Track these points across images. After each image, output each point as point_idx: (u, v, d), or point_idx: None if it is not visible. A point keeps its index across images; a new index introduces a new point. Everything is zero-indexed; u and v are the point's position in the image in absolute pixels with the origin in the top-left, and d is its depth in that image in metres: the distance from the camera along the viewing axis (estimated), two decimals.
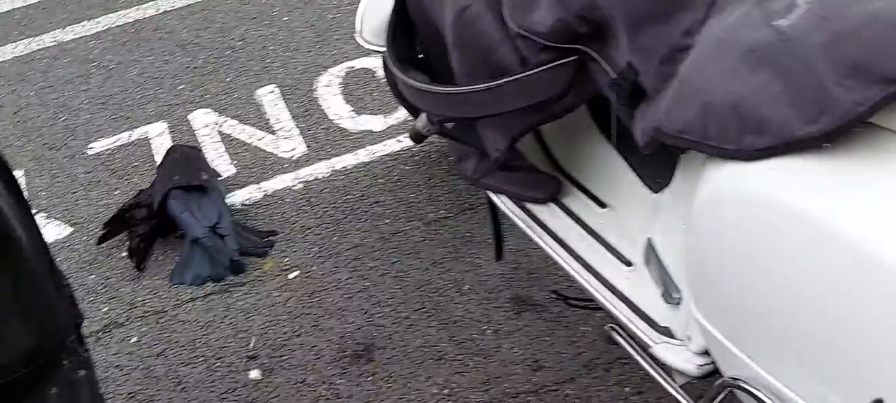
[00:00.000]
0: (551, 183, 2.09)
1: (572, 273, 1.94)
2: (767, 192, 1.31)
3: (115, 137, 3.12)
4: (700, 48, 1.42)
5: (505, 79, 1.84)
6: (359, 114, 3.07)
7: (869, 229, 1.19)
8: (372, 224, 2.67)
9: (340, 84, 3.20)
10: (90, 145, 3.11)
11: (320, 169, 2.88)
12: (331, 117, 3.06)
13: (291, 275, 2.55)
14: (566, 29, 1.73)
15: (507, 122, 1.94)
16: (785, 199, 1.29)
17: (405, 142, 2.92)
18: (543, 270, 2.46)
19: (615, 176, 2.05)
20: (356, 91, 3.16)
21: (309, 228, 2.68)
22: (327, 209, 2.74)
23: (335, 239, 2.64)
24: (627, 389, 2.17)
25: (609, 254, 1.94)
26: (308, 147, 2.96)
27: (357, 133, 2.99)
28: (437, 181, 2.78)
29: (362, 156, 2.90)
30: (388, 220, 2.68)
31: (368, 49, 2.45)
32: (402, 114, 3.01)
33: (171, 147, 2.92)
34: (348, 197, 2.77)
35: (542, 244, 2.02)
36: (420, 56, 2.16)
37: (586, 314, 2.33)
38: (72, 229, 2.79)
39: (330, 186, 2.81)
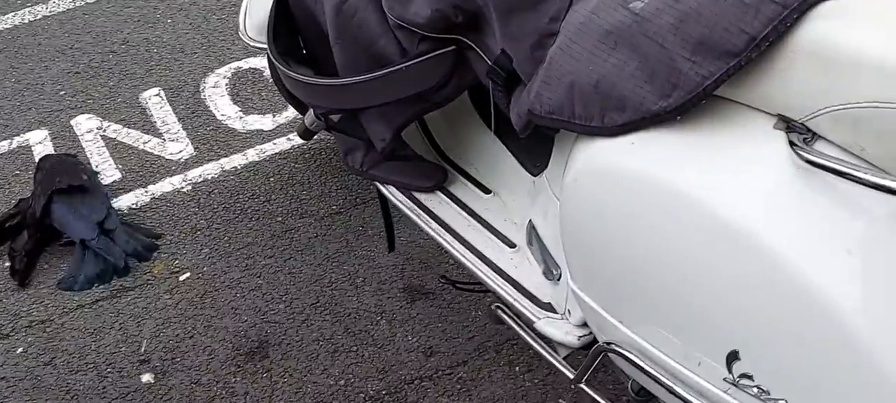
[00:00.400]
0: (437, 171, 2.17)
1: (459, 257, 2.02)
2: (629, 165, 1.41)
3: None
4: (564, 32, 1.51)
5: (385, 70, 1.90)
6: (247, 114, 3.08)
7: (717, 194, 1.30)
8: (264, 222, 2.69)
9: (228, 84, 3.20)
10: None
11: (209, 170, 2.88)
12: (219, 118, 3.06)
13: (182, 277, 2.55)
14: (443, 19, 1.80)
15: (390, 113, 2.00)
16: (645, 171, 1.39)
17: (295, 140, 2.95)
18: (434, 259, 2.53)
19: (497, 162, 2.14)
20: (243, 91, 3.17)
21: (199, 229, 2.69)
22: (217, 210, 2.75)
23: (226, 239, 2.66)
24: (517, 368, 2.27)
25: (494, 238, 2.03)
26: (196, 149, 2.95)
27: (246, 133, 3.00)
28: (328, 177, 2.82)
29: (252, 155, 2.92)
30: (280, 218, 2.71)
31: (252, 46, 2.47)
32: (291, 113, 3.04)
33: (44, 156, 2.87)
34: (239, 197, 2.78)
35: (430, 231, 2.09)
36: (303, 51, 2.20)
37: (476, 299, 2.42)
38: None
39: (219, 187, 2.82)
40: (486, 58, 1.81)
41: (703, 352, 1.38)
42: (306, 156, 2.90)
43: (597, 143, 1.47)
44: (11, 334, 2.44)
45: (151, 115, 3.10)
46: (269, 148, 2.94)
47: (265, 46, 2.43)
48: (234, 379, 2.29)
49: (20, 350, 2.40)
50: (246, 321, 2.42)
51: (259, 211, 2.73)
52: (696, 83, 1.31)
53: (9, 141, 3.06)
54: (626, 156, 1.41)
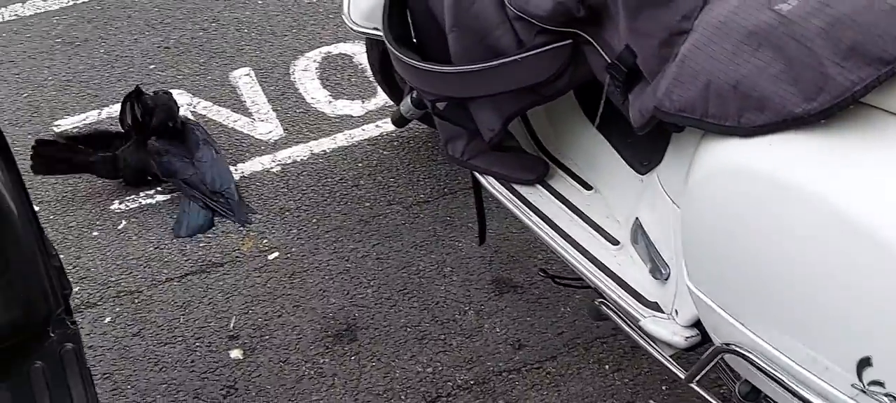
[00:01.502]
0: (539, 165, 2.20)
1: (561, 251, 2.05)
2: (764, 166, 1.43)
3: (83, 115, 3.14)
4: (701, 31, 1.54)
5: (502, 60, 1.94)
6: (336, 98, 3.14)
7: (859, 202, 1.32)
8: (351, 207, 2.75)
9: (317, 68, 3.26)
10: (56, 122, 3.12)
11: (298, 152, 2.94)
12: (308, 101, 3.13)
13: (271, 256, 2.61)
14: (564, 12, 1.83)
15: (501, 103, 2.04)
16: (781, 173, 1.41)
17: (384, 127, 3.00)
18: (524, 253, 2.57)
19: (599, 158, 2.17)
20: (333, 76, 3.23)
21: (288, 210, 2.75)
22: (306, 192, 2.81)
23: (315, 221, 2.71)
24: (607, 366, 2.29)
25: (596, 234, 2.06)
26: (285, 130, 3.02)
27: (335, 117, 3.06)
28: (416, 166, 2.87)
29: (341, 140, 2.98)
30: (368, 204, 2.76)
31: (356, 31, 2.53)
32: (380, 100, 3.09)
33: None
34: (327, 180, 2.84)
35: (530, 224, 2.12)
36: (414, 39, 2.24)
37: (566, 295, 2.45)
38: (38, 208, 2.81)
39: (308, 169, 2.88)
40: (604, 53, 1.85)
41: (830, 357, 1.39)
42: (395, 143, 2.95)
43: (729, 143, 1.49)
44: (99, 303, 2.52)
45: (241, 95, 3.17)
46: (358, 133, 3.00)
47: (370, 32, 2.50)
48: (322, 360, 2.34)
49: (108, 319, 2.48)
50: (334, 303, 2.48)
51: (347, 195, 2.79)
52: (845, 88, 1.33)
53: (98, 111, 3.15)
54: (761, 157, 1.43)
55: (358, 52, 3.31)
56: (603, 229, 2.06)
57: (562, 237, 2.07)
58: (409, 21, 2.18)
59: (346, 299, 2.49)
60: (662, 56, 1.65)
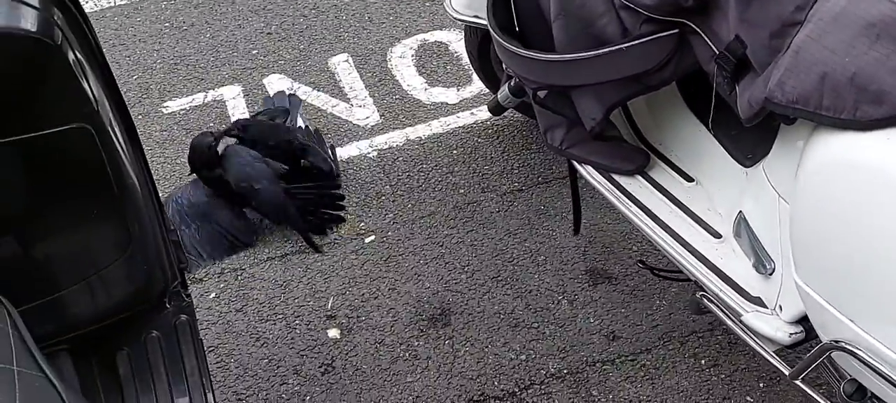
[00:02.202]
0: (639, 155, 2.18)
1: (661, 243, 2.03)
2: (881, 161, 1.39)
3: (190, 97, 3.23)
4: (817, 22, 1.50)
5: (607, 49, 1.93)
6: (432, 86, 3.16)
7: None
8: (446, 193, 2.77)
9: (414, 56, 3.29)
10: (165, 104, 3.22)
11: (394, 138, 2.98)
12: (404, 88, 3.16)
13: (368, 240, 2.65)
14: (672, 2, 1.81)
15: (604, 92, 2.03)
16: None
17: (479, 115, 3.01)
18: (619, 244, 2.55)
19: (701, 150, 2.13)
20: (429, 63, 3.25)
21: (384, 195, 2.78)
22: (401, 177, 2.84)
23: (410, 206, 2.74)
24: (703, 361, 2.26)
25: (698, 227, 2.03)
26: (382, 116, 3.06)
27: (430, 105, 3.09)
28: (510, 154, 2.87)
29: (436, 127, 3.00)
30: (462, 190, 2.77)
31: (458, 20, 2.54)
32: (475, 88, 3.10)
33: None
34: (423, 166, 2.87)
35: (629, 215, 2.10)
36: (516, 27, 2.24)
37: (661, 288, 2.42)
38: None
39: (404, 155, 2.91)
40: (711, 43, 1.82)
41: None
42: (489, 131, 2.96)
43: (844, 136, 1.45)
44: (205, 279, 2.60)
45: (340, 80, 3.22)
46: (453, 121, 3.01)
47: (470, 20, 2.51)
48: (416, 343, 2.37)
49: (213, 294, 2.55)
50: (429, 287, 2.50)
51: (442, 182, 2.81)
52: None
53: (204, 94, 3.24)
54: (879, 151, 1.39)
55: (454, 39, 3.33)
56: (704, 222, 2.03)
57: (662, 229, 2.04)
58: (513, 10, 2.18)
59: (440, 284, 2.51)
60: (774, 47, 1.62)
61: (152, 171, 2.87)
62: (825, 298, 1.53)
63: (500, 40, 2.09)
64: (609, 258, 2.52)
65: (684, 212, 2.06)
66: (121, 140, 1.59)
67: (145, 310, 1.79)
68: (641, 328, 2.34)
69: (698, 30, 1.85)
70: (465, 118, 3.02)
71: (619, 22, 1.94)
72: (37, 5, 1.38)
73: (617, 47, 1.92)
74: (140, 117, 3.17)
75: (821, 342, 1.59)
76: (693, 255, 1.96)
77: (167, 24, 3.61)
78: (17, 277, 1.54)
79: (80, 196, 1.52)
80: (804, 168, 1.54)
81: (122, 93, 1.62)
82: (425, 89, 3.15)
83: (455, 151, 2.90)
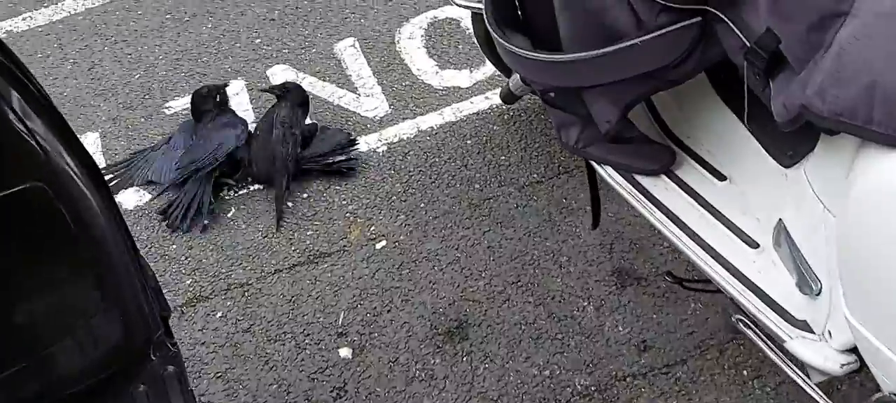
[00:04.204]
0: (663, 153, 1.92)
1: (689, 254, 1.79)
2: None
3: None
4: (863, 18, 1.24)
5: (619, 45, 1.68)
6: (443, 68, 2.91)
7: None
8: (461, 189, 2.54)
9: (423, 35, 3.04)
10: (167, 104, 3.02)
11: (404, 129, 2.75)
12: (414, 73, 2.91)
13: (379, 245, 2.44)
14: None
15: (617, 92, 1.78)
16: None
17: (493, 99, 2.76)
18: (647, 240, 2.30)
19: (735, 144, 1.87)
20: (440, 43, 3.00)
21: (395, 195, 2.56)
22: (413, 174, 2.61)
23: (422, 206, 2.52)
24: (745, 372, 2.03)
25: (731, 234, 1.78)
26: (391, 105, 2.82)
27: (442, 90, 2.84)
28: (528, 142, 2.62)
29: (448, 114, 2.76)
30: (477, 185, 2.54)
31: (461, 6, 2.29)
32: (489, 68, 2.85)
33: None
34: (435, 160, 2.63)
35: (653, 220, 1.86)
36: (520, 17, 1.99)
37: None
38: (150, 196, 2.72)
39: (415, 148, 2.68)
40: (740, 33, 1.56)
41: None
42: (505, 117, 2.71)
43: None
44: (212, 296, 2.42)
45: (346, 68, 2.98)
46: (466, 107, 2.77)
47: (474, 6, 2.26)
48: (433, 360, 2.16)
49: (219, 314, 2.37)
50: (444, 297, 2.29)
51: (456, 176, 2.58)
52: None
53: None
54: None
55: (466, 15, 3.06)
56: (739, 229, 1.78)
57: (689, 236, 1.80)
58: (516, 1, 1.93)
59: (456, 292, 2.29)
60: (812, 43, 1.35)
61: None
62: (883, 341, 1.29)
63: (499, 39, 1.84)
64: (637, 256, 2.28)
65: (716, 217, 1.81)
66: (82, 188, 1.42)
67: (130, 363, 1.64)
68: (675, 336, 2.11)
69: (725, 18, 1.59)
70: (478, 103, 2.77)
71: (632, 13, 1.68)
72: None
73: (630, 43, 1.67)
74: (142, 120, 2.98)
75: (880, 392, 1.36)
76: (726, 268, 1.72)
77: (169, 16, 3.39)
78: None
79: (45, 256, 1.37)
80: (854, 187, 1.28)
81: (79, 139, 1.44)
82: (436, 73, 2.90)
83: (469, 141, 2.67)
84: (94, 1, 3.55)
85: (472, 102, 2.77)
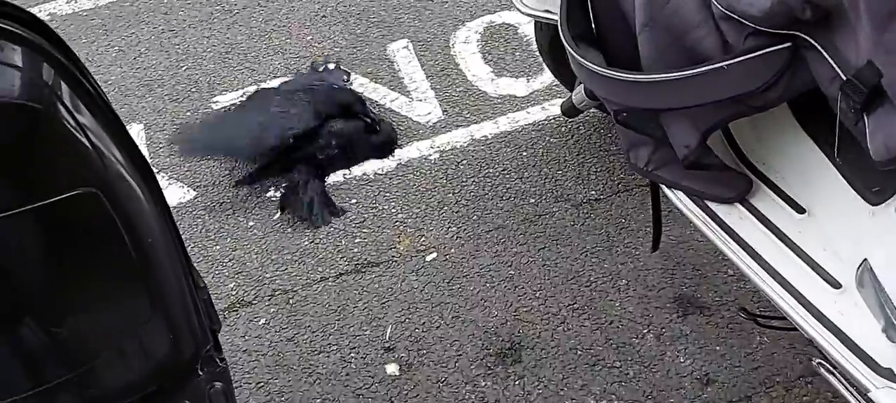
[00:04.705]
0: (740, 181, 1.83)
1: (765, 288, 1.70)
2: None
3: (242, 91, 2.96)
4: None
5: (704, 68, 1.59)
6: (499, 76, 2.83)
7: None
8: (515, 203, 2.46)
9: (479, 41, 2.96)
10: (215, 98, 2.97)
11: (458, 137, 2.67)
12: (469, 78, 2.84)
13: (429, 257, 2.37)
14: (786, 13, 1.47)
15: (698, 116, 1.69)
16: None
17: (551, 110, 2.68)
18: (710, 267, 2.21)
19: (816, 176, 1.77)
20: (496, 49, 2.92)
21: (446, 204, 2.49)
22: (466, 183, 2.54)
23: (475, 218, 2.45)
24: None
25: (811, 271, 1.69)
26: (444, 112, 2.75)
27: (497, 98, 2.76)
28: (586, 156, 2.54)
29: (503, 124, 2.68)
30: (532, 200, 2.46)
31: (528, 15, 2.21)
32: (546, 78, 2.77)
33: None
34: (489, 170, 2.56)
35: (727, 251, 1.77)
36: (594, 33, 1.91)
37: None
38: (195, 193, 2.66)
39: (468, 157, 2.61)
40: (833, 62, 1.47)
41: None
42: (563, 129, 2.63)
43: None
44: (255, 302, 2.36)
45: (399, 70, 2.91)
46: (522, 117, 2.69)
47: (542, 16, 2.18)
48: (483, 382, 2.09)
49: (263, 321, 2.31)
50: (496, 316, 2.22)
51: (510, 189, 2.50)
52: None
53: (256, 86, 2.97)
54: None
55: (523, 21, 2.98)
56: (819, 266, 1.68)
57: (766, 271, 1.71)
58: (591, 16, 1.85)
59: (508, 312, 2.22)
60: None
61: (202, 177, 2.69)
62: None
63: (576, 56, 1.75)
64: (700, 283, 2.19)
65: (794, 252, 1.72)
66: (137, 193, 1.36)
67: (176, 379, 1.58)
68: (740, 370, 2.02)
69: (817, 45, 1.50)
70: (535, 114, 2.69)
71: (719, 34, 1.60)
72: (19, 65, 1.15)
73: (717, 65, 1.58)
74: (188, 113, 2.93)
75: None
76: (806, 308, 1.63)
77: (219, 7, 3.34)
78: (35, 355, 1.37)
79: (96, 264, 1.32)
80: None
81: (136, 144, 1.38)
82: (491, 80, 2.83)
83: (524, 153, 2.59)
84: None
85: (528, 112, 2.69)
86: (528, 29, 2.94)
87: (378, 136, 2.62)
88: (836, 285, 1.65)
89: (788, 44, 1.54)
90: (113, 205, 1.26)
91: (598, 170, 2.49)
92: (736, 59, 1.57)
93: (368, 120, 2.64)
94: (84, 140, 1.22)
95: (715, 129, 1.73)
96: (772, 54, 1.55)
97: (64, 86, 1.20)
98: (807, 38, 1.51)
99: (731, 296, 2.13)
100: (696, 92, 1.63)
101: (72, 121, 1.19)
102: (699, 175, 1.84)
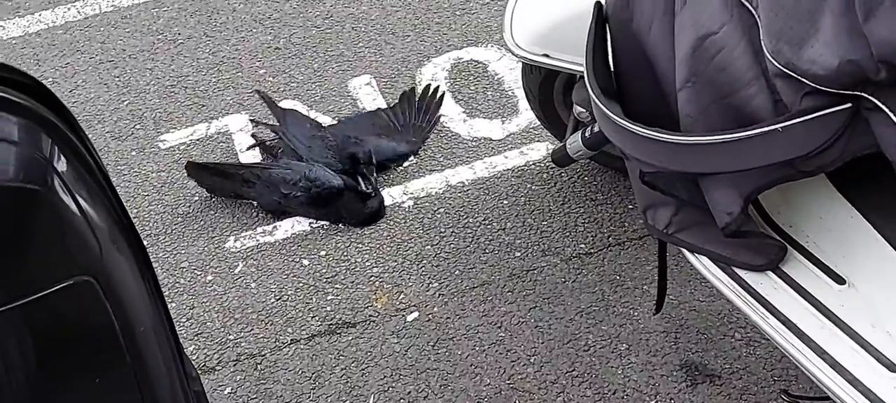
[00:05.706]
0: (772, 247, 1.62)
1: (813, 368, 1.48)
2: None
3: (192, 129, 2.63)
4: None
5: (758, 130, 1.37)
6: (472, 116, 2.58)
7: None
8: (499, 256, 2.21)
9: (447, 78, 2.71)
10: (162, 137, 2.63)
11: (432, 183, 2.41)
12: (441, 118, 2.59)
13: (410, 317, 2.10)
14: (855, 73, 1.27)
15: (744, 180, 1.47)
16: None
17: (530, 154, 2.44)
18: (717, 330, 2.00)
19: (856, 244, 1.58)
20: (466, 88, 2.67)
21: (425, 258, 2.23)
22: (445, 234, 2.28)
23: (457, 272, 2.19)
24: None
25: (860, 349, 1.49)
26: (415, 155, 2.49)
27: (471, 140, 2.51)
28: (573, 206, 2.31)
29: (480, 169, 2.43)
30: (518, 253, 2.22)
31: (522, 59, 1.97)
32: (523, 120, 2.53)
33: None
34: (468, 221, 2.30)
35: (765, 326, 1.55)
36: (614, 85, 1.68)
37: (777, 390, 1.90)
38: (146, 242, 2.32)
39: (445, 205, 2.35)
40: None
41: None
42: (544, 176, 2.39)
43: None
44: (218, 368, 2.04)
45: (363, 108, 2.64)
46: (500, 162, 2.44)
47: (540, 61, 1.95)
48: None
49: (228, 390, 2.00)
50: (489, 384, 1.96)
51: (493, 241, 2.25)
52: None
53: (207, 124, 2.65)
54: None
55: (492, 58, 2.75)
56: (870, 344, 1.49)
57: (811, 348, 1.51)
58: (611, 67, 1.62)
59: (502, 379, 1.96)
60: None
61: (151, 223, 2.36)
62: None
63: (610, 114, 1.51)
64: (707, 348, 1.98)
65: (839, 327, 1.53)
66: (130, 279, 1.13)
67: None
68: None
69: (883, 107, 1.30)
70: (513, 158, 2.45)
71: (770, 93, 1.39)
72: (16, 139, 0.96)
73: (771, 128, 1.37)
74: (134, 153, 2.59)
75: None
76: (863, 394, 1.43)
77: (161, 37, 3.00)
78: None
79: (84, 358, 1.12)
80: None
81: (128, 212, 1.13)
82: (464, 120, 2.58)
83: (505, 202, 2.34)
84: (75, 14, 3.14)
85: (506, 157, 2.45)
86: (498, 66, 2.71)
87: (367, 207, 2.32)
88: (891, 367, 1.46)
89: (849, 105, 1.34)
90: (106, 293, 1.06)
91: (586, 221, 2.26)
92: (792, 121, 1.36)
93: (368, 190, 2.32)
94: (83, 223, 1.03)
95: (757, 194, 1.52)
96: (830, 116, 1.34)
97: (63, 159, 1.00)
98: (872, 99, 1.31)
99: (741, 363, 1.93)
100: (746, 155, 1.41)
101: (71, 203, 1.00)
102: (727, 240, 1.63)
